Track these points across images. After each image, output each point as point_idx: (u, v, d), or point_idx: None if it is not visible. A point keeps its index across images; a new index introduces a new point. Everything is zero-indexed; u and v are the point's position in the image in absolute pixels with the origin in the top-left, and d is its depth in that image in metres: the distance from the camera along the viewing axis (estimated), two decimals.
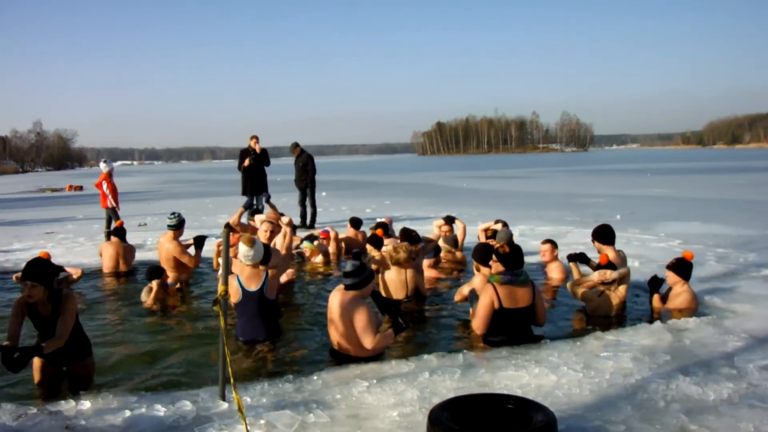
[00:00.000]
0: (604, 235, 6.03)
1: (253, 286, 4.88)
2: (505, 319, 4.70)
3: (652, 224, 11.64)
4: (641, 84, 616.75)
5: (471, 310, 5.23)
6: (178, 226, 7.32)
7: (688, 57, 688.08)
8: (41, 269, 3.90)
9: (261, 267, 4.96)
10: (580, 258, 6.21)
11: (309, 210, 12.79)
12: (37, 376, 4.10)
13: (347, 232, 9.62)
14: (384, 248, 6.79)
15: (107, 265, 8.10)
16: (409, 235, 6.70)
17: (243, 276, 4.91)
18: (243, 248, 4.78)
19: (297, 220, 11.82)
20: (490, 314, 4.71)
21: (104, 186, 11.04)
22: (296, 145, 13.05)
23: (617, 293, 5.51)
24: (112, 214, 10.92)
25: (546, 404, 3.21)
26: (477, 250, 5.77)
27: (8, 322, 3.95)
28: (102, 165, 11.55)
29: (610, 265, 5.55)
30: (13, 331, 3.90)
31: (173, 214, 7.41)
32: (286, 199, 15.88)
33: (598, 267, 5.61)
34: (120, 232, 8.35)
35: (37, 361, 4.07)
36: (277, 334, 5.06)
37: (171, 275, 7.15)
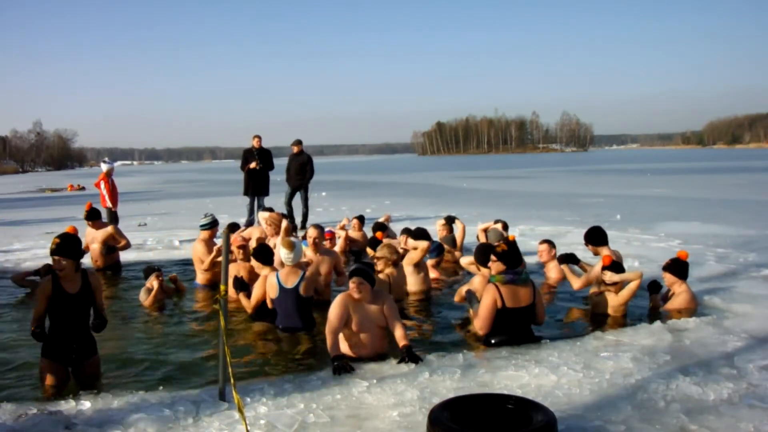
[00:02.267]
0: (595, 236, 6.04)
1: (290, 284, 5.21)
2: (507, 318, 4.71)
3: (652, 224, 11.64)
4: (641, 84, 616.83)
5: (471, 310, 5.23)
6: (207, 226, 7.27)
7: (688, 57, 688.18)
8: (71, 244, 4.06)
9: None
10: (569, 259, 6.25)
11: (302, 210, 12.63)
12: (45, 377, 4.06)
13: (351, 229, 9.63)
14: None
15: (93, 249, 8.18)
16: (423, 234, 6.74)
17: (281, 273, 5.26)
18: (284, 251, 5.23)
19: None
20: (494, 314, 4.72)
21: (102, 186, 11.05)
22: (300, 142, 12.86)
23: (618, 296, 5.50)
24: (109, 214, 10.92)
25: (546, 404, 3.21)
26: (477, 251, 5.78)
27: (37, 302, 4.02)
28: (102, 165, 11.55)
29: (613, 266, 5.55)
30: (41, 315, 4.01)
31: (206, 214, 7.42)
32: (284, 199, 15.87)
33: (603, 269, 5.60)
34: (94, 214, 8.34)
35: (45, 364, 4.06)
36: (312, 324, 5.30)
37: (200, 278, 7.08)
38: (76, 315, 4.07)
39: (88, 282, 4.13)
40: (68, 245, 4.04)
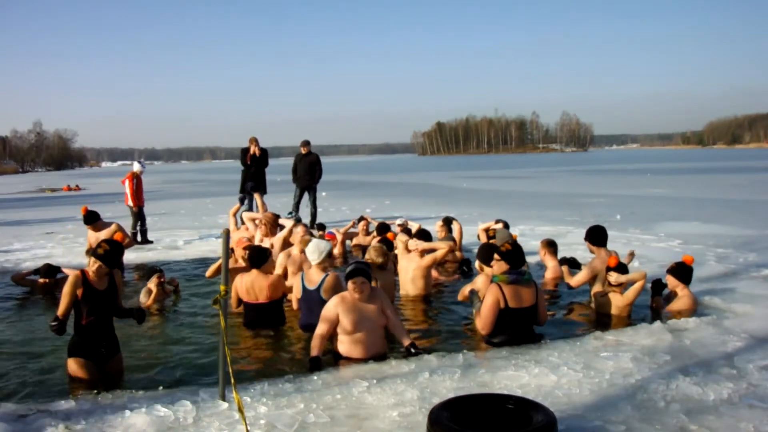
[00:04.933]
0: (596, 236, 6.04)
1: (312, 285, 5.28)
2: (510, 318, 4.71)
3: (652, 224, 11.64)
4: (641, 84, 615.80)
5: (474, 310, 5.23)
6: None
7: (688, 57, 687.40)
8: (115, 254, 4.15)
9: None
10: (570, 263, 6.28)
11: (310, 210, 12.75)
12: (76, 376, 4.13)
13: (358, 229, 9.67)
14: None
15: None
16: (428, 236, 6.72)
17: (306, 273, 5.40)
18: (312, 247, 5.33)
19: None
20: (496, 314, 4.71)
21: (126, 184, 11.09)
22: (309, 143, 13.01)
23: (624, 297, 5.50)
24: (133, 212, 10.95)
25: (546, 404, 3.21)
26: (481, 250, 5.78)
27: (63, 299, 4.05)
28: (135, 164, 11.56)
29: (619, 268, 5.55)
30: (68, 308, 4.06)
31: (290, 213, 7.45)
32: (287, 199, 15.86)
33: (608, 270, 5.61)
34: (91, 217, 8.22)
35: (75, 363, 4.12)
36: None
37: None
38: (105, 311, 4.17)
39: (113, 278, 4.24)
40: (114, 256, 4.13)
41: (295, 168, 12.88)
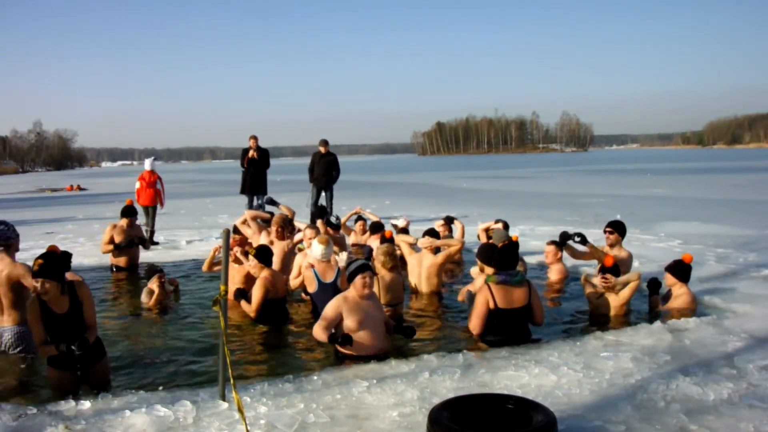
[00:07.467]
0: (622, 229, 6.30)
1: (328, 278, 5.63)
2: (500, 319, 4.71)
3: (652, 224, 11.65)
4: (641, 84, 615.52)
5: (470, 310, 5.23)
6: (339, 227, 7.54)
7: (688, 57, 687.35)
8: (56, 264, 3.82)
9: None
10: (567, 239, 6.29)
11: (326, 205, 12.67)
12: (52, 384, 4.00)
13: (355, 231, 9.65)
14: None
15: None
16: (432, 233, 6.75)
17: (318, 269, 5.65)
18: (321, 247, 5.63)
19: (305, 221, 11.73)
20: (485, 315, 4.72)
21: (138, 184, 11.12)
22: (327, 142, 12.89)
23: (619, 296, 5.50)
24: (145, 210, 10.96)
25: (546, 404, 3.21)
26: (481, 250, 5.78)
27: (31, 327, 3.88)
28: (146, 162, 11.59)
29: (614, 269, 5.55)
30: (43, 334, 3.84)
31: (336, 218, 7.69)
32: (285, 199, 15.83)
33: (602, 269, 5.60)
34: (132, 211, 8.41)
35: (51, 372, 3.99)
36: None
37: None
38: (70, 331, 3.89)
39: (76, 297, 3.93)
40: (52, 266, 3.76)
41: (312, 167, 12.80)
